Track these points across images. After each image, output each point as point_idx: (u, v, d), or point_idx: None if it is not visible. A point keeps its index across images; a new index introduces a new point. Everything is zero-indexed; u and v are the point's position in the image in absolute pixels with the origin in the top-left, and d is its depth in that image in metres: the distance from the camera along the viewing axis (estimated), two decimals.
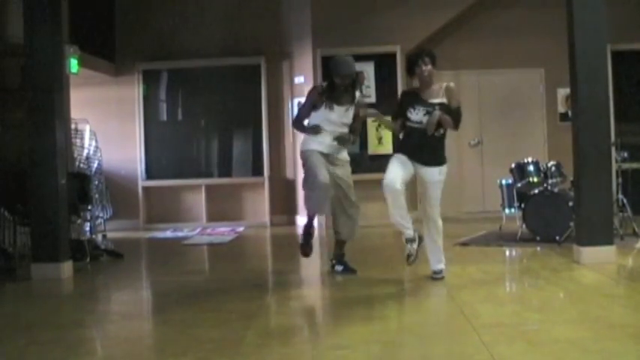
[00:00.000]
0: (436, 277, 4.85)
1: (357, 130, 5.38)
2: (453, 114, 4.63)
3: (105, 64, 9.37)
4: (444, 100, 4.69)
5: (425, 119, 4.63)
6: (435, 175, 4.78)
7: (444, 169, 4.81)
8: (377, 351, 3.27)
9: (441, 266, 4.88)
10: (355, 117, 5.24)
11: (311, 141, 5.19)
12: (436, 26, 9.18)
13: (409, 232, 4.73)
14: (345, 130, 5.20)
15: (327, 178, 5.00)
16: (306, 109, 5.26)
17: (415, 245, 4.74)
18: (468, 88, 9.59)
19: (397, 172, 4.66)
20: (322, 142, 5.14)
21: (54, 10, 5.73)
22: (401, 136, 4.96)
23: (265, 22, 9.57)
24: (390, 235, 7.71)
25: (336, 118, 5.13)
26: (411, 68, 4.79)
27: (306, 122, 5.26)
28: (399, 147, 5.01)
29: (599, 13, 5.33)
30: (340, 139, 5.14)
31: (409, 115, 4.72)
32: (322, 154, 5.13)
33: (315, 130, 5.11)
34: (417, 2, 9.09)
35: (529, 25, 9.20)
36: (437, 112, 4.57)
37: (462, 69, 9.52)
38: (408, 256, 4.75)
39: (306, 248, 5.35)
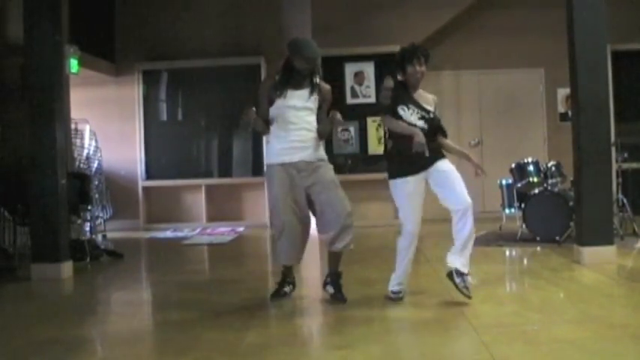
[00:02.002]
0: (461, 283, 4.08)
1: (325, 132, 4.39)
2: (442, 130, 4.26)
3: (105, 64, 9.38)
4: (434, 110, 4.24)
5: (420, 123, 4.11)
6: (447, 162, 4.18)
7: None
8: (377, 351, 3.27)
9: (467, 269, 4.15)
10: (324, 116, 4.38)
11: (274, 147, 4.35)
12: (436, 26, 9.19)
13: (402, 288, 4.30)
14: (312, 118, 4.33)
15: (291, 220, 4.23)
16: (262, 109, 4.38)
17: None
18: (468, 88, 9.60)
19: (418, 217, 4.15)
20: (287, 144, 4.27)
21: (54, 10, 5.74)
22: (387, 137, 4.31)
23: (265, 22, 9.57)
24: (389, 235, 7.70)
25: (295, 103, 4.27)
26: (402, 64, 4.20)
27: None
28: (397, 163, 4.20)
29: (599, 13, 5.33)
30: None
31: (401, 112, 4.12)
32: (289, 166, 4.26)
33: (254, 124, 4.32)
34: (417, 2, 9.11)
35: (529, 25, 9.21)
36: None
37: (462, 69, 9.54)
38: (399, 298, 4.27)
39: (276, 296, 4.50)
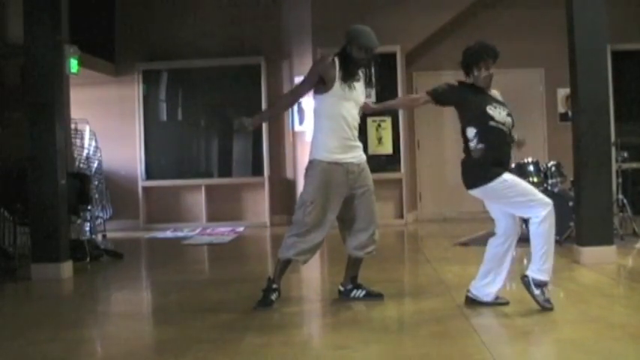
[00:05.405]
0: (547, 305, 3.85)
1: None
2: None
3: (105, 64, 9.37)
4: None
5: (508, 120, 4.06)
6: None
7: None
8: (377, 351, 3.27)
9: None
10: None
11: (324, 142, 4.09)
12: (436, 26, 9.19)
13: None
14: (358, 114, 4.21)
15: (323, 223, 4.08)
16: (307, 86, 4.18)
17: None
18: None
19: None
20: (340, 142, 4.08)
21: (54, 10, 5.73)
22: (475, 143, 3.96)
23: (265, 22, 9.57)
24: (390, 235, 7.71)
25: (356, 98, 4.13)
26: (472, 65, 4.16)
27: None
28: (489, 165, 3.94)
29: (599, 13, 5.34)
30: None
31: (490, 112, 4.00)
32: (339, 165, 4.08)
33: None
34: (417, 2, 9.09)
35: (529, 25, 9.20)
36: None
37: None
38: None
39: (263, 305, 4.14)
